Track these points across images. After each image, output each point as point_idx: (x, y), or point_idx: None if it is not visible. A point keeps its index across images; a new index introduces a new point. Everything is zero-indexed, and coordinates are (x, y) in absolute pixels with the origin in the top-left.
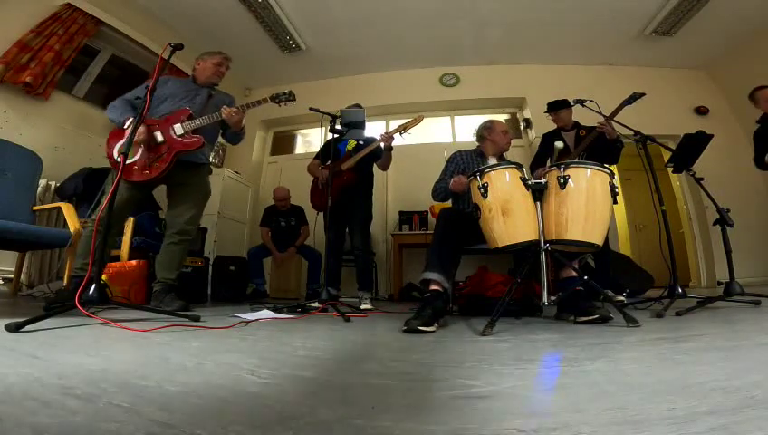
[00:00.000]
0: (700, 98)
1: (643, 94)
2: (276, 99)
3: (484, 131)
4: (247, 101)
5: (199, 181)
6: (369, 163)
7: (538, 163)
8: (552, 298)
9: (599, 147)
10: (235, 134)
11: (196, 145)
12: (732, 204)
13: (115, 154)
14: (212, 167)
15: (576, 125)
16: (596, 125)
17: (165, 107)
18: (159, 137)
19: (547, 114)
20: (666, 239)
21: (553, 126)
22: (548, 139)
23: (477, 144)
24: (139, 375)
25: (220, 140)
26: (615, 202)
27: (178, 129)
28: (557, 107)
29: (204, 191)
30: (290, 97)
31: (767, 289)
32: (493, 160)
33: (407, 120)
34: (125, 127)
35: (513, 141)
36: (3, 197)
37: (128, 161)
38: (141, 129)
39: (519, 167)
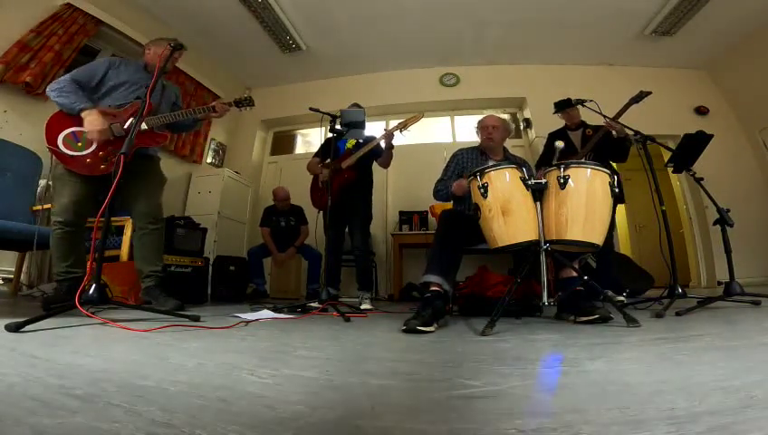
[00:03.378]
0: (700, 98)
1: (650, 93)
2: (239, 103)
3: (476, 129)
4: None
5: (155, 169)
6: (368, 162)
7: (543, 162)
8: (551, 300)
9: (606, 145)
10: (194, 124)
11: (163, 141)
12: (732, 204)
13: (60, 145)
14: (212, 166)
15: (582, 124)
16: (603, 124)
17: (120, 95)
18: (118, 130)
19: (556, 114)
20: (666, 239)
21: (559, 124)
22: (554, 138)
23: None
24: (139, 375)
25: (220, 139)
26: (623, 201)
27: (142, 124)
28: (565, 106)
29: (161, 178)
30: (249, 102)
31: (767, 289)
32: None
33: (406, 118)
34: (92, 124)
35: (514, 141)
36: (3, 197)
37: (79, 153)
38: (99, 126)
39: (519, 166)
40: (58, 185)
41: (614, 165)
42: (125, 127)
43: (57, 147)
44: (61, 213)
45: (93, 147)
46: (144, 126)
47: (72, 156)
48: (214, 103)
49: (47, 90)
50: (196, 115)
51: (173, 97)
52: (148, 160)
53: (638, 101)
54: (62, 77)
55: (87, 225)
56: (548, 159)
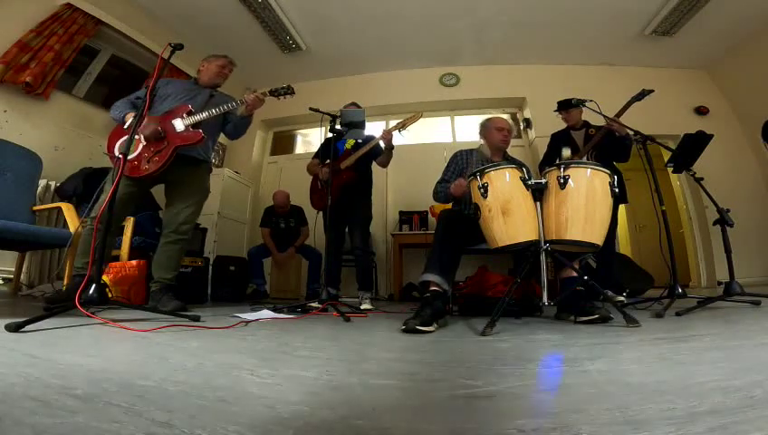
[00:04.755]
0: (700, 98)
1: (652, 91)
2: (275, 93)
3: (482, 130)
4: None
5: (198, 179)
6: (368, 162)
7: (546, 163)
8: (551, 300)
9: (607, 145)
10: (241, 123)
11: (197, 138)
12: (732, 204)
13: (116, 151)
14: (213, 166)
15: (585, 124)
16: (604, 123)
17: (166, 105)
18: (161, 132)
19: (557, 113)
20: (666, 239)
21: (561, 125)
22: (557, 138)
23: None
24: (139, 375)
25: (220, 139)
26: (626, 201)
27: (178, 124)
28: (567, 106)
29: (203, 189)
30: (288, 90)
31: (767, 289)
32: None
33: (405, 117)
34: (125, 124)
35: (513, 141)
36: (3, 197)
37: (129, 157)
38: (147, 122)
39: (519, 166)
40: (107, 187)
41: (616, 165)
42: (169, 129)
43: (114, 154)
44: (97, 209)
45: (138, 150)
46: (180, 127)
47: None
48: (243, 97)
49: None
50: (222, 111)
51: (222, 103)
52: (195, 166)
53: (640, 99)
54: (120, 100)
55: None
56: (551, 160)
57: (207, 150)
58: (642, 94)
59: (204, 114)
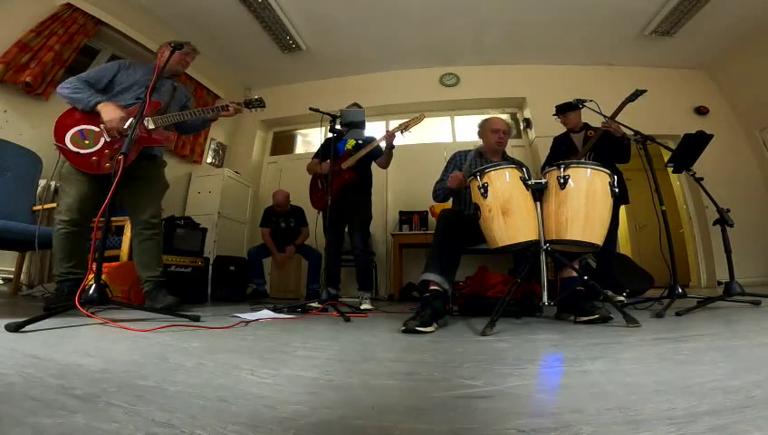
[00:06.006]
0: (700, 98)
1: (644, 91)
2: (249, 105)
3: (479, 130)
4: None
5: (157, 173)
6: (368, 162)
7: (548, 165)
8: (551, 301)
9: (606, 146)
10: (203, 125)
11: (170, 141)
12: (732, 204)
13: (68, 143)
14: (211, 166)
15: (585, 126)
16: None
17: (130, 95)
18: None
19: (555, 117)
20: (666, 239)
21: (560, 128)
22: (558, 141)
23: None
24: (139, 375)
25: (220, 139)
26: (627, 202)
27: (148, 122)
28: (565, 109)
29: (163, 182)
30: (259, 103)
31: (767, 289)
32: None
33: (408, 119)
34: (109, 118)
35: (514, 141)
36: (3, 197)
37: (86, 151)
38: (117, 115)
39: (519, 166)
40: (64, 184)
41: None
42: (126, 126)
43: (65, 144)
44: (65, 212)
45: (100, 144)
46: (151, 125)
47: (80, 153)
48: (228, 103)
49: (57, 89)
50: (206, 115)
51: (183, 99)
52: (152, 163)
53: (633, 100)
54: (71, 78)
55: (90, 224)
56: (552, 162)
57: (162, 147)
58: (635, 95)
59: (177, 117)
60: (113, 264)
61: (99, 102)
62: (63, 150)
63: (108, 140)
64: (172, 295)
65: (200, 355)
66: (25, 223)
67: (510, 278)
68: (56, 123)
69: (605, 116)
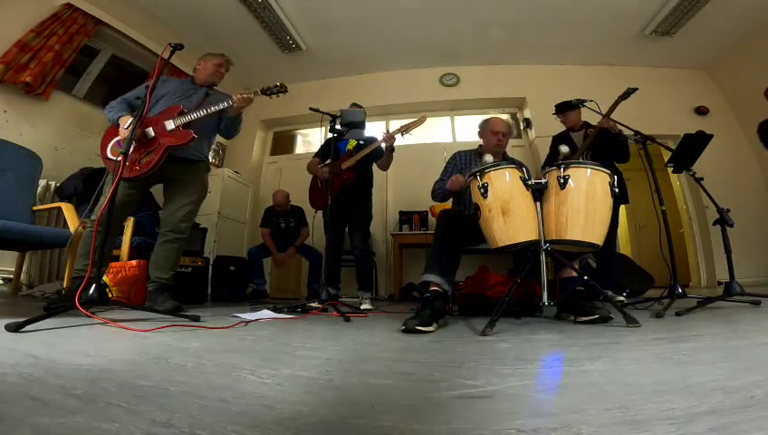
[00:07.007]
0: (700, 98)
1: (636, 89)
2: (268, 91)
3: (479, 130)
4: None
5: (195, 178)
6: (368, 163)
7: (548, 165)
8: (551, 302)
9: (604, 144)
10: (232, 123)
11: (186, 138)
12: (732, 204)
13: (108, 153)
14: (211, 166)
15: (585, 125)
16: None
17: (160, 105)
18: (151, 133)
19: (555, 116)
20: (666, 239)
21: (560, 127)
22: (557, 140)
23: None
24: (139, 375)
25: (220, 139)
26: (627, 202)
27: (169, 124)
28: (564, 108)
29: (199, 187)
30: (281, 89)
31: (767, 289)
32: (489, 158)
33: (409, 121)
34: (123, 126)
35: (514, 141)
36: (3, 197)
37: (118, 158)
38: (128, 123)
39: (519, 166)
40: (105, 187)
41: (617, 165)
42: (160, 130)
43: (105, 155)
44: (97, 211)
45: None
46: (171, 126)
47: (115, 161)
48: (232, 97)
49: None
50: (210, 112)
51: (217, 103)
52: (189, 167)
53: (625, 98)
54: (114, 100)
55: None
56: (552, 162)
57: (202, 149)
58: (628, 93)
59: (194, 114)
60: (115, 264)
61: (121, 117)
62: (105, 160)
63: (134, 146)
64: (173, 300)
65: (200, 355)
66: (25, 223)
67: (510, 278)
68: (102, 138)
69: (601, 114)
